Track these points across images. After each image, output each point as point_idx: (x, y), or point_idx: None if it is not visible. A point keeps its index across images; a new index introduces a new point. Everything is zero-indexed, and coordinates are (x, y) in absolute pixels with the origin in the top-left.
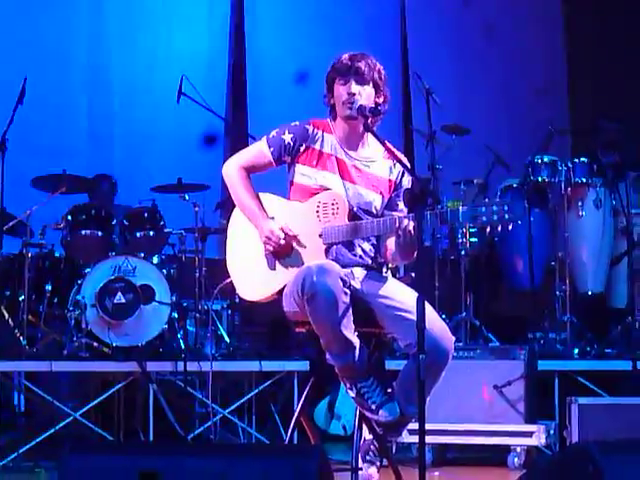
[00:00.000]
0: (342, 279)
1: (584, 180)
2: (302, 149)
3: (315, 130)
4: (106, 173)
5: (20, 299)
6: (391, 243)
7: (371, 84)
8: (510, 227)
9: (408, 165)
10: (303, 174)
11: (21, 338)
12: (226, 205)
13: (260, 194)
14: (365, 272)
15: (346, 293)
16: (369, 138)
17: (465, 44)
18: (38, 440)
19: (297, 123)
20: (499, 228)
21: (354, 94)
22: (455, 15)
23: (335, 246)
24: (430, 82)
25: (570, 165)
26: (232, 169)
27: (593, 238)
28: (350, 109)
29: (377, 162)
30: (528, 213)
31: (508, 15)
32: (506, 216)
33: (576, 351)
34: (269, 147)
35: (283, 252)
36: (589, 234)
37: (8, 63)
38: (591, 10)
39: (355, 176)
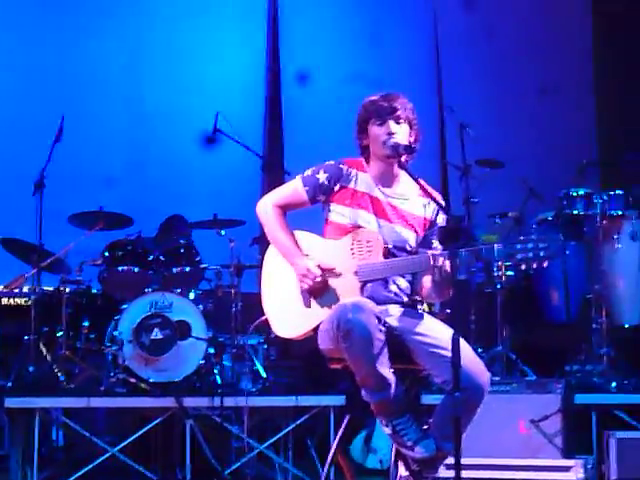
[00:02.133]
0: (377, 316)
1: (619, 212)
2: (336, 189)
3: (349, 169)
4: (177, 214)
5: (58, 335)
6: (427, 281)
7: (407, 123)
8: (546, 264)
9: (442, 203)
10: (338, 213)
11: (59, 374)
12: (262, 240)
13: (295, 232)
14: (400, 309)
15: (381, 330)
16: (403, 176)
17: (498, 76)
18: (77, 475)
19: (332, 162)
20: (535, 265)
21: (394, 133)
22: (488, 47)
23: (370, 284)
24: (464, 115)
25: (605, 197)
26: (267, 207)
27: (629, 270)
28: (392, 148)
29: (411, 200)
30: (564, 247)
31: (539, 45)
32: (542, 253)
33: (614, 384)
34: (304, 186)
35: (319, 290)
36: (625, 266)
37: (46, 101)
38: (617, 40)
39: (390, 214)
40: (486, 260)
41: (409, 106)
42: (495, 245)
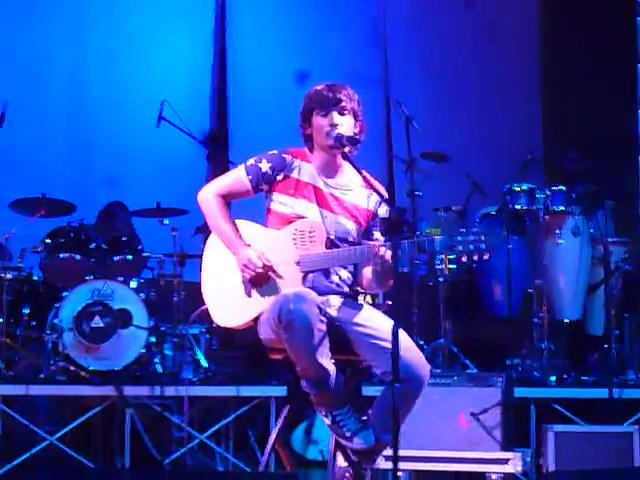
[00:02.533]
0: (319, 307)
1: (562, 208)
2: (279, 178)
3: (292, 159)
4: (117, 200)
5: None
6: (368, 271)
7: (351, 114)
8: (487, 257)
9: (385, 194)
10: (280, 202)
11: None
12: (206, 229)
13: (237, 221)
14: (342, 300)
15: (322, 321)
16: (347, 167)
17: (445, 71)
18: (14, 464)
19: (275, 152)
20: (475, 258)
21: (337, 124)
22: (436, 44)
23: (312, 274)
24: (410, 109)
25: (548, 193)
26: (209, 196)
27: (571, 266)
28: (335, 139)
29: (354, 191)
30: (506, 241)
31: (486, 41)
32: (482, 246)
33: (553, 378)
34: (247, 175)
35: (260, 280)
36: (567, 262)
37: None
38: (565, 39)
39: (333, 204)
40: (428, 252)
41: (354, 97)
42: (436, 237)
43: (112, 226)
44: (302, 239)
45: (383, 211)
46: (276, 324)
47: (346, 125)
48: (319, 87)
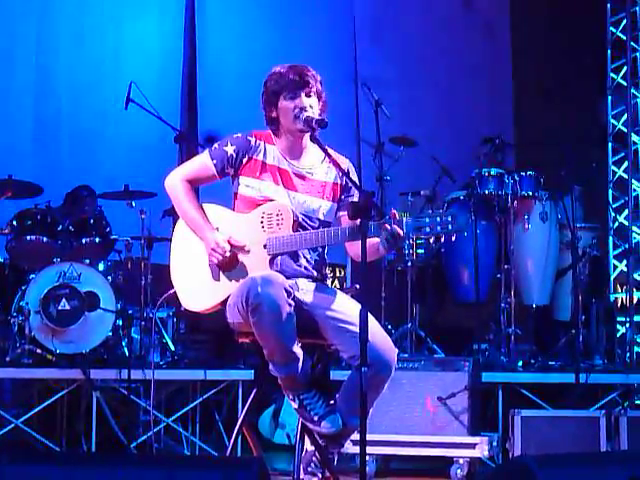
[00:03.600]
0: (286, 290)
1: (530, 193)
2: (245, 161)
3: (257, 141)
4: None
5: None
6: (357, 244)
7: (316, 95)
8: (454, 238)
9: (351, 169)
10: (247, 185)
11: None
12: (174, 213)
13: (204, 205)
14: (310, 283)
15: (290, 304)
16: (311, 147)
17: (413, 55)
18: None
19: (239, 135)
20: (442, 239)
21: (304, 107)
22: (405, 26)
23: (280, 257)
24: (379, 93)
25: (517, 178)
26: (175, 181)
27: (539, 251)
28: (304, 122)
29: (320, 168)
30: (474, 225)
31: (456, 26)
32: (450, 227)
33: (520, 363)
34: (212, 159)
35: (228, 264)
36: (535, 247)
37: None
38: (537, 23)
39: (299, 184)
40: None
41: (318, 78)
42: (404, 218)
43: (79, 209)
44: (269, 222)
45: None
46: (244, 308)
47: (314, 107)
48: (282, 69)
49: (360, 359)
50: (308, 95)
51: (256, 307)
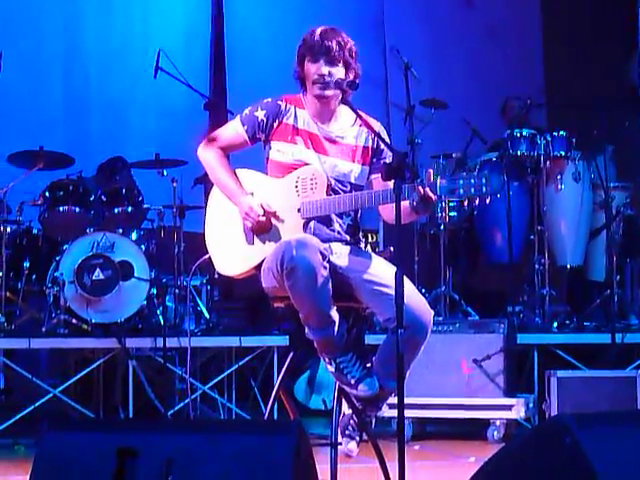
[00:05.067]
0: (321, 253)
1: (563, 153)
2: (275, 125)
3: (287, 105)
4: (118, 155)
5: None
6: (386, 209)
7: (341, 63)
8: (488, 200)
9: (382, 132)
10: (278, 150)
11: None
12: (205, 180)
13: (238, 170)
14: (343, 247)
15: (325, 267)
16: (342, 110)
17: (442, 17)
18: (17, 417)
19: (269, 100)
20: (477, 201)
21: (323, 75)
22: None
23: (313, 222)
24: (407, 56)
25: (549, 138)
26: (208, 150)
27: (572, 211)
28: (320, 89)
29: (350, 132)
30: (507, 187)
31: None
32: (484, 189)
33: (555, 324)
34: (243, 125)
35: (262, 228)
36: (568, 207)
37: None
38: None
39: (330, 148)
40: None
41: (348, 45)
42: (438, 180)
43: (112, 180)
44: (304, 187)
45: (383, 149)
46: (278, 271)
47: (335, 75)
48: (315, 31)
49: (396, 322)
50: (331, 63)
51: (291, 270)
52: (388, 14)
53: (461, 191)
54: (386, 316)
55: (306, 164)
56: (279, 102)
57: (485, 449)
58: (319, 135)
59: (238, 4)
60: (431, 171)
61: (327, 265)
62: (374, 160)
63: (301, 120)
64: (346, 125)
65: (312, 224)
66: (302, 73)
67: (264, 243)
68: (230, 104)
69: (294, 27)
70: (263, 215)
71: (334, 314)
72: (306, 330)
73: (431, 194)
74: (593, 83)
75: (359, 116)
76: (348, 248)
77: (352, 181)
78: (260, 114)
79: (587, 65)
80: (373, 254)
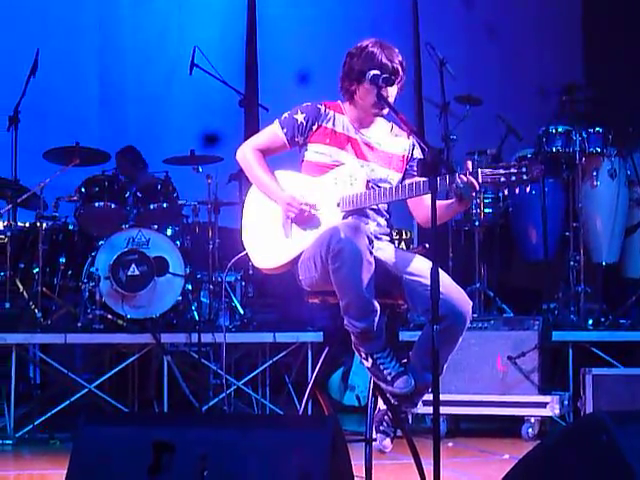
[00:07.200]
0: (368, 237)
1: (598, 150)
2: (314, 128)
3: (327, 110)
4: (128, 145)
5: (34, 272)
6: (422, 210)
7: (398, 85)
8: (528, 189)
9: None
10: (317, 152)
11: (36, 310)
12: (240, 177)
13: (276, 172)
14: (380, 242)
15: (371, 252)
16: (379, 120)
17: (476, 13)
18: (53, 412)
19: (309, 103)
20: (514, 195)
21: (387, 97)
22: None
23: (351, 217)
24: (442, 51)
25: (585, 135)
26: (247, 152)
27: (607, 208)
28: (381, 109)
29: (388, 140)
30: (542, 183)
31: None
32: (524, 176)
33: (590, 322)
34: (282, 128)
35: (303, 220)
36: (603, 204)
37: (20, 35)
38: None
39: (368, 153)
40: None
41: (404, 64)
42: (480, 170)
43: (147, 174)
44: (343, 182)
45: (417, 153)
46: (323, 257)
47: (393, 96)
48: (374, 49)
49: (432, 317)
50: (392, 84)
51: (338, 252)
52: (422, 9)
53: (502, 178)
54: (424, 307)
55: (344, 164)
56: (319, 106)
57: (519, 446)
58: (358, 139)
59: (272, 1)
60: (469, 162)
61: (373, 251)
62: (407, 167)
63: (340, 124)
64: (383, 133)
65: (350, 220)
66: (355, 87)
67: (303, 236)
68: (262, 100)
69: (327, 26)
70: (305, 205)
71: (375, 304)
72: (345, 321)
73: (474, 180)
74: (632, 78)
75: (394, 111)
76: (384, 243)
77: (388, 186)
78: (300, 117)
79: (627, 62)
80: (408, 251)
